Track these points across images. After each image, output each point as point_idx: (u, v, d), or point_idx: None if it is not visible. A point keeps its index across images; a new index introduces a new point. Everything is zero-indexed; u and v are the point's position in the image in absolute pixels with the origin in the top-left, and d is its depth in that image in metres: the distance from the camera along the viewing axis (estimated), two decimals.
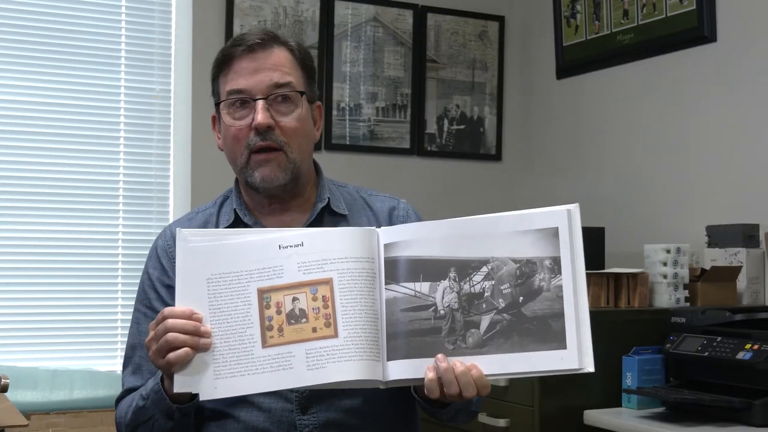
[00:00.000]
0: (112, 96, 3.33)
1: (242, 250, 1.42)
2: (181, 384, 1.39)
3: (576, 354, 1.33)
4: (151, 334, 1.42)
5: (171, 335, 1.38)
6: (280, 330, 1.38)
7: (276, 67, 1.60)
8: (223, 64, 1.62)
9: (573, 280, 1.35)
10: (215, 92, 1.66)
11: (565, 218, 1.37)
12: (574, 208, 1.38)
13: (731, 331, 2.45)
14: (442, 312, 1.39)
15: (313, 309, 1.38)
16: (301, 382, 1.37)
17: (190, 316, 1.39)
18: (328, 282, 1.39)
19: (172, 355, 1.38)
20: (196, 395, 1.41)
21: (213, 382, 1.38)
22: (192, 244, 1.43)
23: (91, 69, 3.29)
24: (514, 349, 1.35)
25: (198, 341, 1.38)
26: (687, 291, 2.81)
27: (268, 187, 1.60)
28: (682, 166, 3.19)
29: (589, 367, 1.34)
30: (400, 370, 1.38)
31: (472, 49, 3.90)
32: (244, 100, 1.59)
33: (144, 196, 3.36)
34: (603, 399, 2.61)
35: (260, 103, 1.57)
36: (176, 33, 3.42)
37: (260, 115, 1.56)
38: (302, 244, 1.41)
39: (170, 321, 1.38)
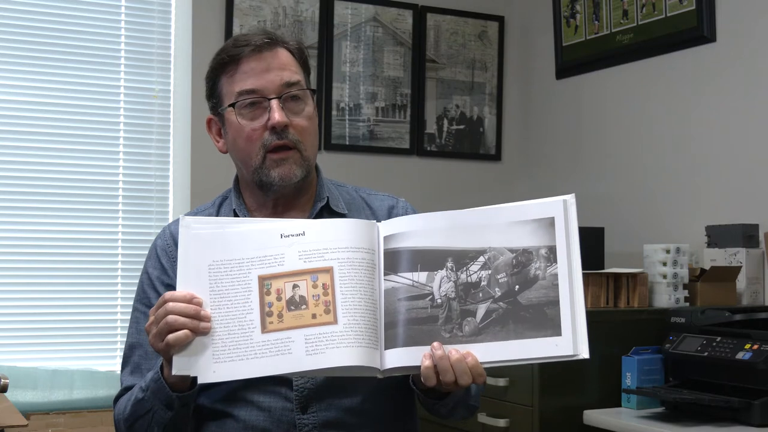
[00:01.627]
0: (112, 96, 3.33)
1: (244, 238, 1.43)
2: (179, 366, 1.40)
3: (571, 340, 1.34)
4: (152, 318, 1.42)
5: (171, 317, 1.38)
6: (280, 316, 1.39)
7: (284, 66, 1.61)
8: (227, 65, 1.62)
9: (568, 269, 1.37)
10: (215, 94, 1.65)
11: (561, 208, 1.39)
12: (570, 198, 1.40)
13: (731, 331, 2.45)
14: (439, 301, 1.40)
15: (314, 296, 1.39)
16: (300, 367, 1.38)
17: (190, 300, 1.40)
18: (328, 270, 1.40)
19: (171, 336, 1.38)
20: (195, 385, 1.41)
21: (211, 365, 1.39)
22: (194, 231, 1.44)
23: (90, 69, 3.30)
24: (510, 337, 1.36)
25: (198, 324, 1.39)
26: (686, 291, 2.81)
27: (285, 185, 1.61)
28: (682, 166, 3.19)
29: (584, 354, 1.35)
30: (397, 358, 1.39)
31: (471, 49, 3.90)
32: (254, 101, 1.59)
33: (143, 196, 3.37)
34: (602, 399, 2.61)
35: (275, 103, 1.58)
36: (176, 33, 3.42)
37: (277, 114, 1.57)
38: (304, 234, 1.42)
39: (170, 304, 1.39)
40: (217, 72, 1.64)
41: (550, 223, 1.38)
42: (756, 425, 2.26)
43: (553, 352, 1.35)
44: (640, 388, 2.54)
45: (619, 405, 2.60)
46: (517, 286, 1.38)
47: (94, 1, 3.31)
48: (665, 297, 2.78)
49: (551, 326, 1.35)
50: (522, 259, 1.39)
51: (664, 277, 2.79)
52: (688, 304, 2.80)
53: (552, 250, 1.37)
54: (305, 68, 1.67)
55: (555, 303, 1.36)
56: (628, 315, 2.74)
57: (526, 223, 1.39)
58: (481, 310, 1.39)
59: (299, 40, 1.70)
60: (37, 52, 3.22)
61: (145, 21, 3.39)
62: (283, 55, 1.62)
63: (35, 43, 3.22)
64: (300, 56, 1.66)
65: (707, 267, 2.85)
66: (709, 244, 2.92)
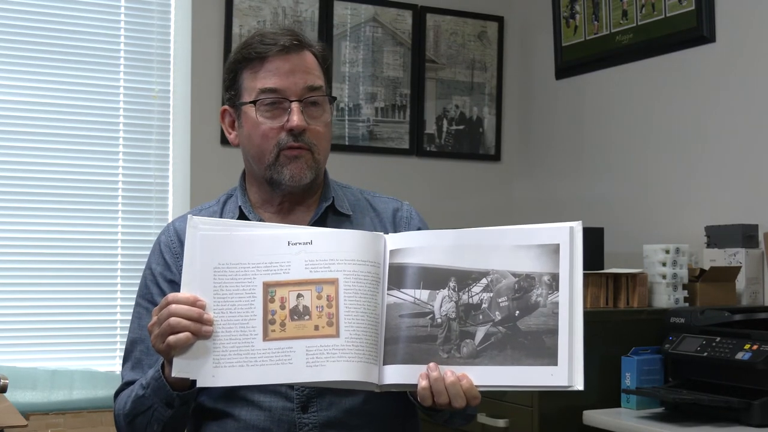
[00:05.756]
0: (111, 96, 3.33)
1: (251, 243, 1.43)
2: (179, 369, 1.40)
3: (566, 371, 1.34)
4: (154, 318, 1.43)
5: (173, 320, 1.39)
6: (283, 325, 1.39)
7: (309, 70, 1.62)
8: (252, 61, 1.62)
9: (570, 298, 1.36)
10: (234, 86, 1.65)
11: (566, 235, 1.38)
12: (577, 225, 1.39)
13: (730, 331, 2.45)
14: (439, 320, 1.40)
15: (317, 307, 1.40)
16: (298, 378, 1.38)
17: (194, 303, 1.40)
18: (333, 282, 1.40)
19: (172, 338, 1.38)
20: (196, 384, 1.41)
21: (212, 370, 1.39)
22: (202, 232, 1.44)
23: (90, 69, 3.30)
24: (506, 362, 1.36)
25: (200, 328, 1.39)
26: (686, 291, 2.81)
27: (295, 185, 1.61)
28: (682, 166, 3.19)
29: (579, 386, 1.34)
30: (395, 374, 1.39)
31: (471, 49, 3.90)
32: (275, 100, 1.60)
33: (143, 196, 3.37)
34: (602, 399, 2.60)
35: (296, 106, 1.59)
36: (175, 33, 3.41)
37: (296, 118, 1.58)
38: (311, 243, 1.42)
39: (173, 306, 1.40)
40: (241, 65, 1.64)
41: (555, 249, 1.38)
42: (756, 425, 2.26)
43: (548, 381, 1.34)
44: (640, 389, 2.54)
45: (618, 405, 2.60)
46: (517, 311, 1.38)
47: (94, 1, 3.31)
48: (665, 297, 2.78)
49: (548, 355, 1.34)
50: (524, 284, 1.38)
51: (664, 277, 2.79)
52: (687, 304, 2.80)
53: (555, 278, 1.37)
54: (327, 74, 1.67)
55: (554, 332, 1.35)
56: (628, 315, 2.74)
57: (531, 248, 1.39)
58: (480, 332, 1.38)
59: (324, 45, 1.70)
60: (36, 52, 3.22)
61: (144, 21, 3.38)
62: (309, 59, 1.63)
63: (35, 43, 3.22)
64: (324, 61, 1.66)
65: (707, 267, 2.85)
66: (709, 245, 2.92)
